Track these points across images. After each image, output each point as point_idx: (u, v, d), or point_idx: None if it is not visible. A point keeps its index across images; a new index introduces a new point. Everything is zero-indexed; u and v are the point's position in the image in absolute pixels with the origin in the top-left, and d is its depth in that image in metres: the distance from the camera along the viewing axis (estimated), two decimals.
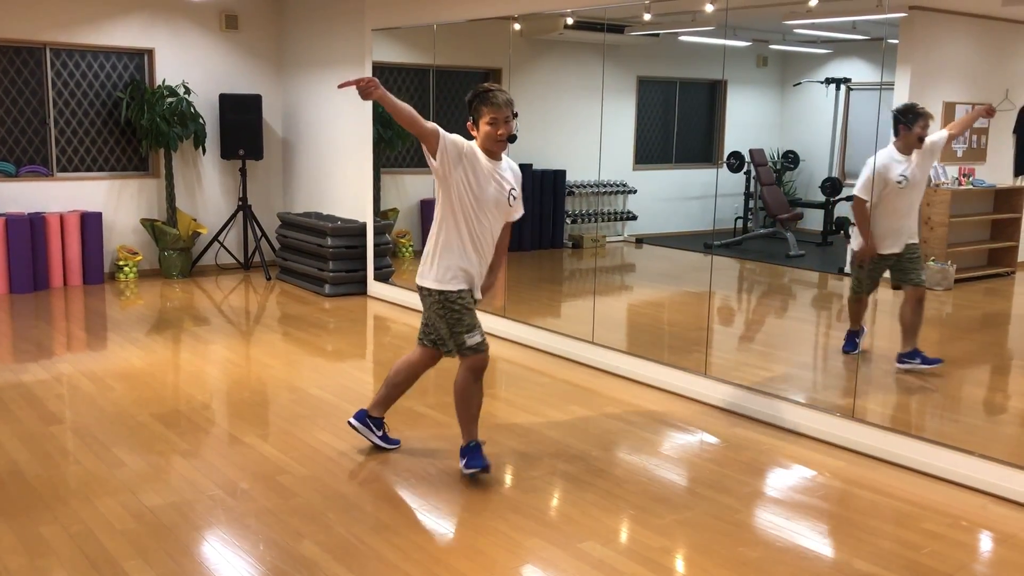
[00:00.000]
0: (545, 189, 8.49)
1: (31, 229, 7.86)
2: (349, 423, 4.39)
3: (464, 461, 4.04)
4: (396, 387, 4.28)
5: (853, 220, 5.20)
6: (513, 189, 4.01)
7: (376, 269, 8.07)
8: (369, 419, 4.35)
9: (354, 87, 3.61)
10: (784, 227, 8.96)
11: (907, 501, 3.89)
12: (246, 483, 3.94)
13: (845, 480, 4.12)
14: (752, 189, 9.25)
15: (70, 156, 8.46)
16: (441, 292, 3.93)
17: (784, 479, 4.14)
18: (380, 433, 4.36)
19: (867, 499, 3.91)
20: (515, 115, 3.93)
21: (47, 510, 3.63)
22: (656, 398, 5.29)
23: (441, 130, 3.81)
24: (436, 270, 3.95)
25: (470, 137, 3.96)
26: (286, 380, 5.49)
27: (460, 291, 3.94)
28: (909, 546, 3.47)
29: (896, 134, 5.08)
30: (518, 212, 4.11)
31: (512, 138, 3.90)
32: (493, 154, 3.94)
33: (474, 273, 4.00)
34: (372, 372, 5.76)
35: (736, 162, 9.08)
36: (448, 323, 3.95)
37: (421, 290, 4.01)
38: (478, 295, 4.08)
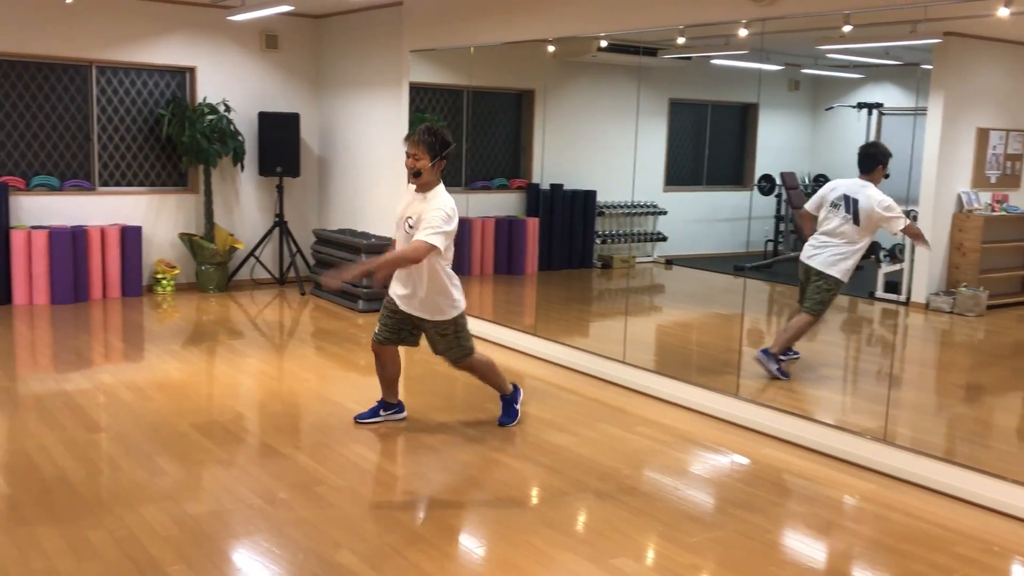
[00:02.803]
0: (575, 209, 8.56)
1: (73, 242, 8.04)
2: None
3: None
4: None
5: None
6: (409, 218, 4.53)
7: None
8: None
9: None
10: None
11: (939, 525, 3.91)
12: (284, 493, 4.02)
13: (876, 503, 4.13)
14: (783, 212, 9.27)
15: (112, 171, 8.65)
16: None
17: (815, 500, 4.16)
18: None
19: (898, 522, 3.93)
20: (425, 152, 4.42)
21: (92, 515, 3.73)
22: (686, 418, 5.33)
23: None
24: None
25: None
26: (320, 393, 5.59)
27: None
28: (941, 570, 3.49)
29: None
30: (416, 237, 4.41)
31: (415, 173, 4.47)
32: (417, 187, 4.57)
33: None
34: (404, 386, 5.84)
35: (767, 185, 9.10)
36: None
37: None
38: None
